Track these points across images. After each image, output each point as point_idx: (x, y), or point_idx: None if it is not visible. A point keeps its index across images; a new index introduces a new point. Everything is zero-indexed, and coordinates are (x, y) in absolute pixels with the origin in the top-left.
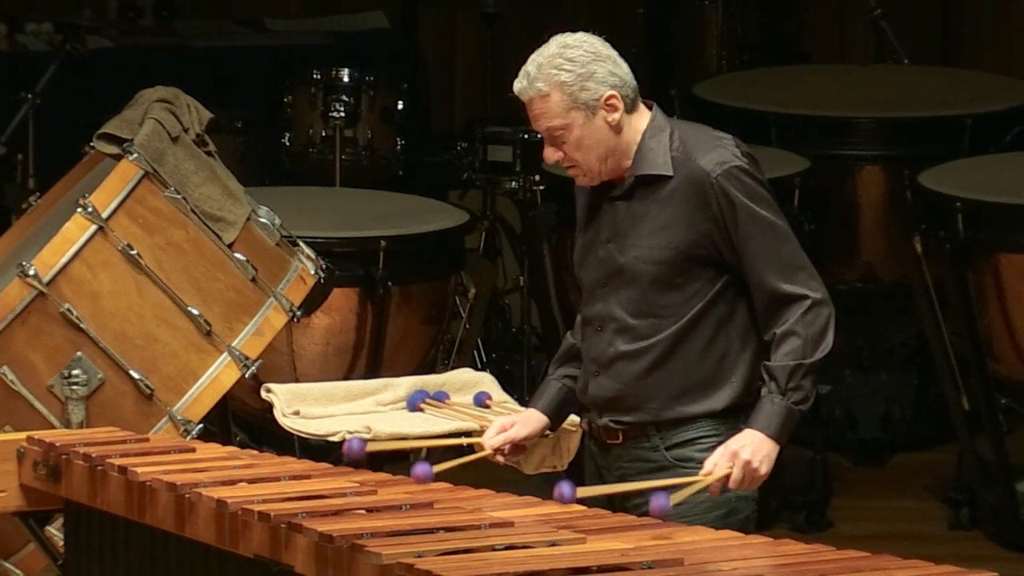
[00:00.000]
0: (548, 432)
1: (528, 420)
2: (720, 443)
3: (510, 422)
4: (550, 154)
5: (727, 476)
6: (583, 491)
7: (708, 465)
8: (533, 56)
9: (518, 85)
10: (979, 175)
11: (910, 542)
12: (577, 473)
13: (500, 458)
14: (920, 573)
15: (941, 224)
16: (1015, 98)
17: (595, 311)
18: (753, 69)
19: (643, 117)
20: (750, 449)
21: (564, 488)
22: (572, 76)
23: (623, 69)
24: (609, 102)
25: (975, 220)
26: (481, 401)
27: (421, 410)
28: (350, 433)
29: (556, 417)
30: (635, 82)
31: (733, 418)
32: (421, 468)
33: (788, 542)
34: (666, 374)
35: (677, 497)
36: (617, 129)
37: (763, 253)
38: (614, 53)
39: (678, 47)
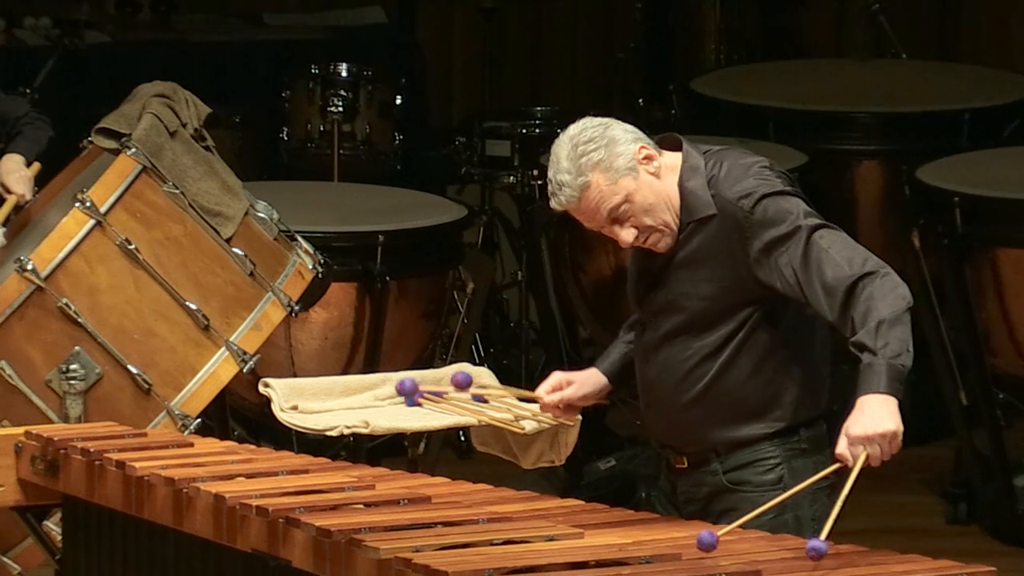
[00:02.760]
0: (606, 400)
1: (586, 380)
2: (778, 466)
3: (567, 380)
4: (627, 236)
5: (867, 459)
6: (723, 532)
7: (841, 454)
8: (551, 172)
9: (559, 200)
10: (977, 170)
11: (908, 537)
12: (625, 485)
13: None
14: (918, 568)
15: (939, 219)
16: (1013, 93)
17: (643, 342)
18: (751, 64)
19: (675, 163)
20: (864, 423)
21: (704, 535)
22: (601, 152)
23: (630, 126)
24: (643, 155)
25: (973, 215)
26: (479, 396)
27: (419, 405)
28: (347, 428)
29: (618, 379)
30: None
31: (789, 437)
32: (462, 376)
33: (786, 537)
34: (714, 404)
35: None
36: (659, 176)
37: (818, 267)
38: (613, 119)
39: (676, 42)
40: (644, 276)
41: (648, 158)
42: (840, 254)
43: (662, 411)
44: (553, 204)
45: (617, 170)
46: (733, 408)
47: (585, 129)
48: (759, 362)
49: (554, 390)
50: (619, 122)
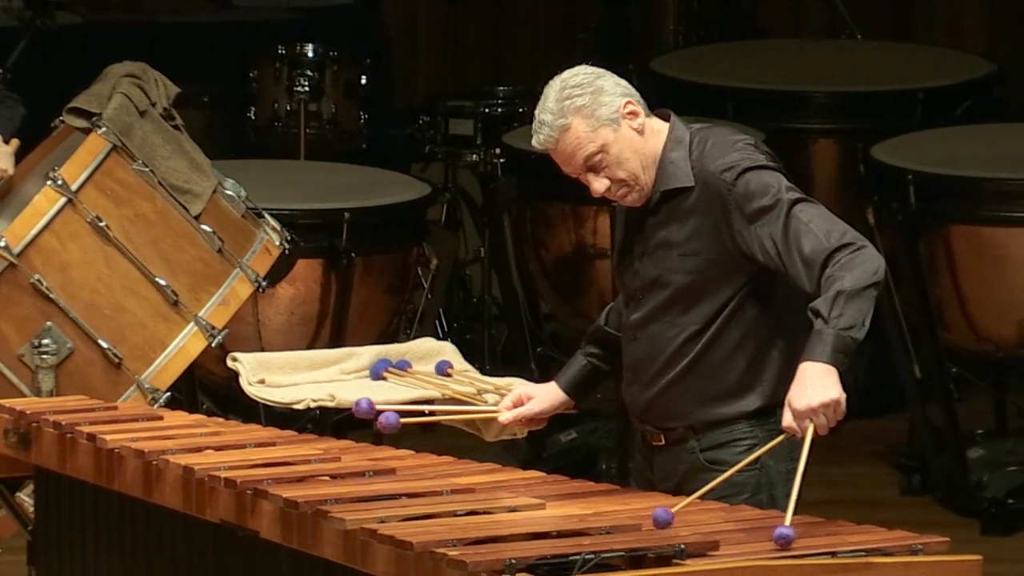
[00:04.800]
0: (573, 410)
1: (546, 395)
2: (755, 445)
3: (527, 395)
4: (599, 185)
5: (815, 430)
6: (677, 508)
7: (789, 426)
8: (538, 110)
9: (539, 138)
10: (931, 148)
11: (862, 508)
12: (586, 457)
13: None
14: (872, 538)
15: (893, 196)
16: (966, 72)
17: (630, 321)
18: (709, 44)
19: (661, 129)
20: (808, 395)
21: (660, 512)
22: (585, 98)
23: (624, 81)
24: (628, 110)
25: (926, 192)
26: (442, 370)
27: (384, 379)
28: (314, 401)
29: (579, 393)
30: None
31: (766, 417)
32: (388, 417)
33: (743, 508)
34: (697, 381)
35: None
36: (643, 133)
37: (797, 239)
38: (608, 72)
39: (635, 22)
40: (628, 253)
41: (633, 114)
42: (819, 227)
43: (645, 388)
44: (534, 142)
45: (598, 119)
46: (715, 385)
47: (577, 74)
48: (743, 340)
49: (515, 405)
50: (612, 75)
